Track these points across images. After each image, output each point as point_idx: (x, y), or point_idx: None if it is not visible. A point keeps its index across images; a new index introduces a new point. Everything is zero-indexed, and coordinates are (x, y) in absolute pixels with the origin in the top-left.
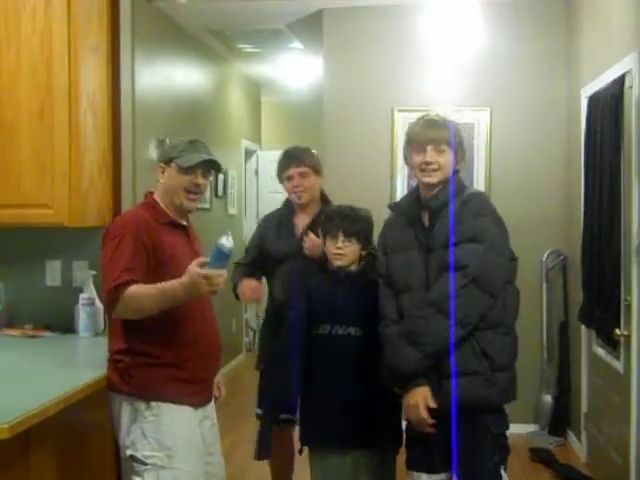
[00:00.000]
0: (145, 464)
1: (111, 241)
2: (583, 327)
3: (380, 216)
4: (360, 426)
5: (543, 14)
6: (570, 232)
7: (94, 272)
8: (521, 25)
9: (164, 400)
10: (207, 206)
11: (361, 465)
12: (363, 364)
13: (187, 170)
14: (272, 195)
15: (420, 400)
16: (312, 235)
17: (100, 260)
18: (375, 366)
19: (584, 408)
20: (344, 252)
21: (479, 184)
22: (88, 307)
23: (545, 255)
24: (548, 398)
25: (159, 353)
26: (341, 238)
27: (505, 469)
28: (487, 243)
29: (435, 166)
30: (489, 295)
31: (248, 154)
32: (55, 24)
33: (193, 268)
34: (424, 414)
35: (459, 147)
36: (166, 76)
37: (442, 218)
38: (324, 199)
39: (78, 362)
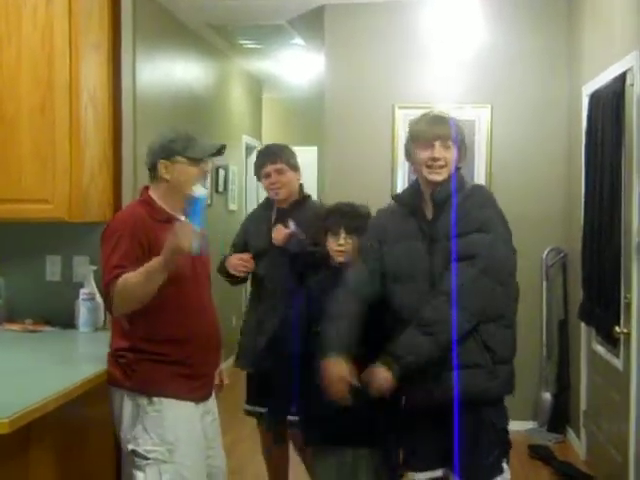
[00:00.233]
0: (147, 459)
1: (108, 241)
2: (583, 325)
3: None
4: (362, 424)
5: (544, 11)
6: (570, 229)
7: (94, 267)
8: (522, 22)
9: (166, 395)
10: (208, 202)
11: (362, 464)
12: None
13: (200, 161)
14: None
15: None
16: (279, 226)
17: (100, 257)
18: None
19: (583, 405)
20: (346, 249)
21: (479, 181)
22: (88, 302)
23: (545, 252)
24: (547, 395)
25: (161, 350)
26: (342, 235)
27: (507, 462)
28: (493, 234)
29: (442, 162)
30: (499, 284)
31: (249, 150)
32: (56, 20)
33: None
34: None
35: (462, 144)
36: (167, 72)
37: (446, 210)
38: (303, 194)
39: (78, 357)
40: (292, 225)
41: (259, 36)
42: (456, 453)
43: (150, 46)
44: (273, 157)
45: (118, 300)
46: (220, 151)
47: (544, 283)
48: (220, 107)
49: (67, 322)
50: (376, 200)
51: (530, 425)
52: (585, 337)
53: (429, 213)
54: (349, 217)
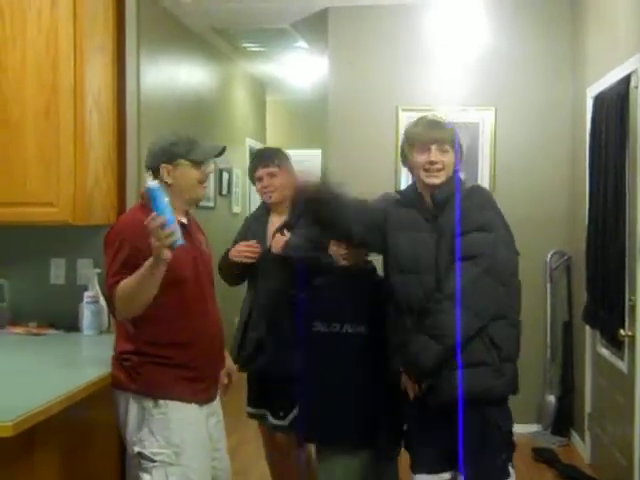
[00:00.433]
0: (153, 461)
1: (110, 247)
2: (587, 327)
3: None
4: (367, 426)
5: (548, 14)
6: (574, 232)
7: (98, 270)
8: (526, 25)
9: (171, 398)
10: (211, 205)
11: (367, 465)
12: (371, 363)
13: (202, 163)
14: None
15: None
16: (277, 235)
17: (103, 262)
18: (383, 364)
19: (588, 408)
20: (350, 252)
21: (483, 184)
22: (92, 305)
23: (549, 255)
24: (551, 398)
25: (165, 354)
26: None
27: (512, 466)
28: (494, 233)
29: (440, 166)
30: (501, 285)
31: (253, 153)
32: (61, 24)
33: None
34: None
35: (459, 147)
36: (171, 75)
37: (447, 210)
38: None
39: (82, 360)
40: (289, 235)
41: (263, 39)
42: (460, 453)
43: (154, 49)
44: (265, 160)
45: (119, 305)
46: (221, 153)
47: (548, 285)
48: (224, 110)
49: (71, 325)
50: None
51: (534, 428)
52: (589, 339)
53: (431, 212)
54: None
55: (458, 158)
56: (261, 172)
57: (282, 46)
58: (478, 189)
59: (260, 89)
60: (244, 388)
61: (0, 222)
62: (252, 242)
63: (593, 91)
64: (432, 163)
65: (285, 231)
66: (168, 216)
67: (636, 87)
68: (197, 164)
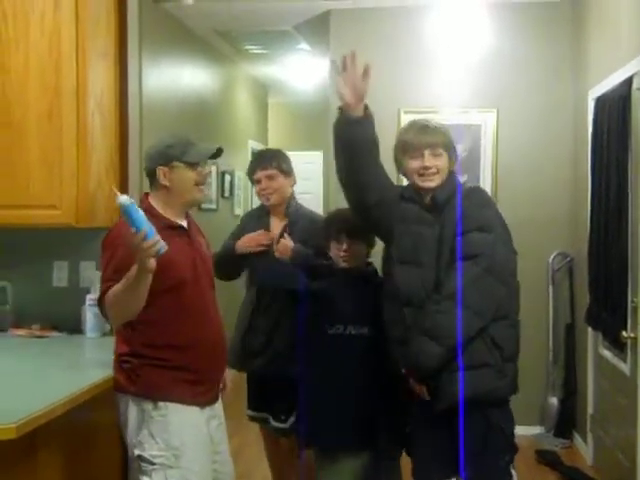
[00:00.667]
0: (153, 464)
1: (105, 251)
2: (589, 329)
3: None
4: (369, 427)
5: (550, 16)
6: (577, 234)
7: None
8: (528, 27)
9: (171, 400)
10: (213, 207)
11: (369, 466)
12: (374, 364)
13: (197, 165)
14: None
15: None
16: (283, 239)
17: None
18: (385, 365)
19: (590, 410)
20: (350, 254)
21: (485, 185)
22: (95, 307)
23: (551, 257)
24: (554, 400)
25: (162, 356)
26: (346, 240)
27: (513, 467)
28: (494, 233)
29: (434, 170)
30: (502, 284)
31: (252, 155)
32: (64, 26)
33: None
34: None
35: (452, 149)
36: (173, 77)
37: (447, 210)
38: (291, 201)
39: (85, 362)
40: (291, 242)
41: (265, 41)
42: (462, 455)
43: (156, 52)
44: (263, 163)
45: (110, 313)
46: (218, 154)
47: (550, 287)
48: (226, 112)
49: (74, 327)
50: None
51: (537, 430)
52: (592, 341)
53: (431, 212)
54: (350, 222)
55: (453, 160)
56: (259, 174)
57: (284, 48)
58: (477, 190)
59: (262, 91)
60: (245, 390)
61: (3, 224)
62: (260, 232)
63: (595, 93)
64: (426, 168)
65: (287, 236)
66: (147, 229)
67: (638, 89)
68: (192, 166)
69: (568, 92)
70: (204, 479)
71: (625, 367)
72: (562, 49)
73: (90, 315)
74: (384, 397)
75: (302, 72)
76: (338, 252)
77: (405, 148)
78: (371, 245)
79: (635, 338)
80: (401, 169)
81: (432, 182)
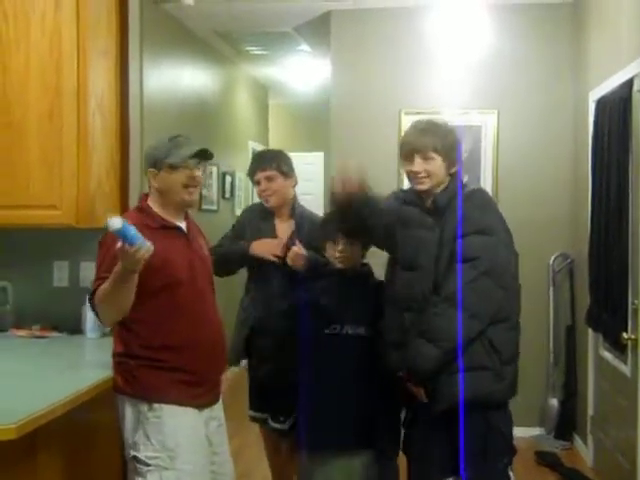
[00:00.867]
0: (148, 465)
1: (100, 251)
2: (590, 330)
3: None
4: (367, 427)
5: (551, 17)
6: (577, 235)
7: None
8: (528, 28)
9: (167, 402)
10: (214, 208)
11: (366, 466)
12: (371, 364)
13: (179, 166)
14: None
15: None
16: (296, 247)
17: None
18: (381, 365)
19: (591, 412)
20: (346, 254)
21: (486, 186)
22: None
23: (552, 258)
24: (554, 401)
25: (158, 357)
26: (342, 241)
27: (512, 469)
28: (495, 236)
29: (423, 174)
30: (501, 287)
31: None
32: (64, 26)
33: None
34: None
35: (450, 151)
36: (174, 78)
37: (448, 213)
38: (295, 203)
39: (85, 363)
40: (303, 250)
41: (265, 43)
42: (461, 459)
43: (157, 53)
44: (263, 164)
45: (100, 312)
46: (203, 156)
47: (551, 289)
48: (226, 113)
49: (74, 328)
50: None
51: (537, 431)
52: (592, 343)
53: (432, 214)
54: (346, 223)
55: (450, 162)
56: (259, 176)
57: (285, 49)
58: (479, 192)
59: (263, 92)
60: (245, 391)
61: (3, 225)
62: (276, 241)
63: (595, 94)
64: (415, 173)
65: (298, 244)
66: (140, 242)
67: (639, 91)
68: (176, 168)
69: (568, 93)
70: None
71: (625, 369)
72: (563, 50)
73: (90, 315)
74: (381, 397)
75: (303, 73)
76: (334, 253)
77: (400, 151)
78: (366, 246)
79: (635, 340)
80: (403, 170)
81: (423, 185)
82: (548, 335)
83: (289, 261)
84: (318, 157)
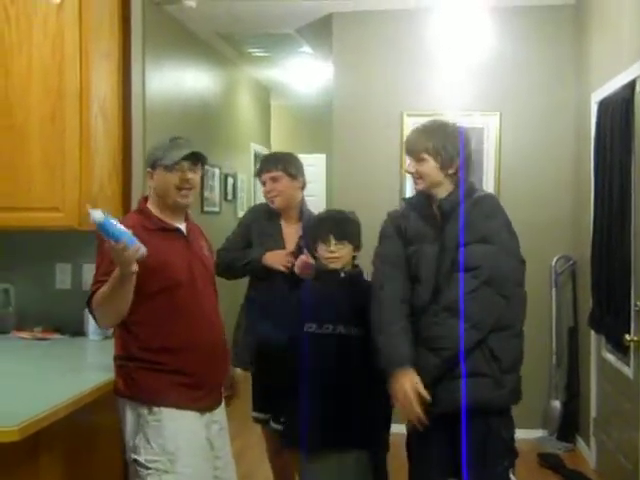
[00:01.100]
0: (148, 468)
1: (99, 252)
2: (592, 332)
3: None
4: (357, 426)
5: (552, 18)
6: (579, 237)
7: None
8: (530, 30)
9: (167, 405)
10: (216, 210)
11: (356, 465)
12: (362, 364)
13: (172, 168)
14: None
15: (408, 388)
16: (304, 257)
17: None
18: (373, 365)
19: (593, 414)
20: (338, 255)
21: (488, 188)
22: None
23: (554, 260)
24: (557, 403)
25: (158, 359)
26: (333, 242)
27: (513, 473)
28: (498, 244)
29: (417, 175)
30: (502, 297)
31: (258, 158)
32: (67, 29)
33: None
34: (416, 406)
35: (443, 153)
36: (176, 80)
37: (453, 219)
38: (303, 207)
39: (87, 365)
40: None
41: (268, 44)
42: (463, 463)
43: (159, 55)
44: (269, 165)
45: (97, 313)
46: (196, 159)
47: (553, 290)
48: (229, 115)
49: (76, 330)
50: (384, 207)
51: (539, 433)
52: (595, 345)
53: (438, 220)
54: (338, 224)
55: (444, 164)
56: (264, 177)
57: (287, 51)
58: (489, 198)
59: (265, 94)
60: (248, 392)
61: (5, 227)
62: (287, 253)
63: (598, 96)
64: (409, 173)
65: (306, 252)
66: (126, 239)
67: None
68: (169, 169)
69: (571, 95)
70: None
71: (628, 370)
72: (565, 52)
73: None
74: (373, 396)
75: (305, 75)
76: (325, 253)
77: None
78: (358, 247)
79: (638, 341)
80: None
81: (418, 185)
82: (550, 337)
83: (297, 270)
84: (320, 159)
